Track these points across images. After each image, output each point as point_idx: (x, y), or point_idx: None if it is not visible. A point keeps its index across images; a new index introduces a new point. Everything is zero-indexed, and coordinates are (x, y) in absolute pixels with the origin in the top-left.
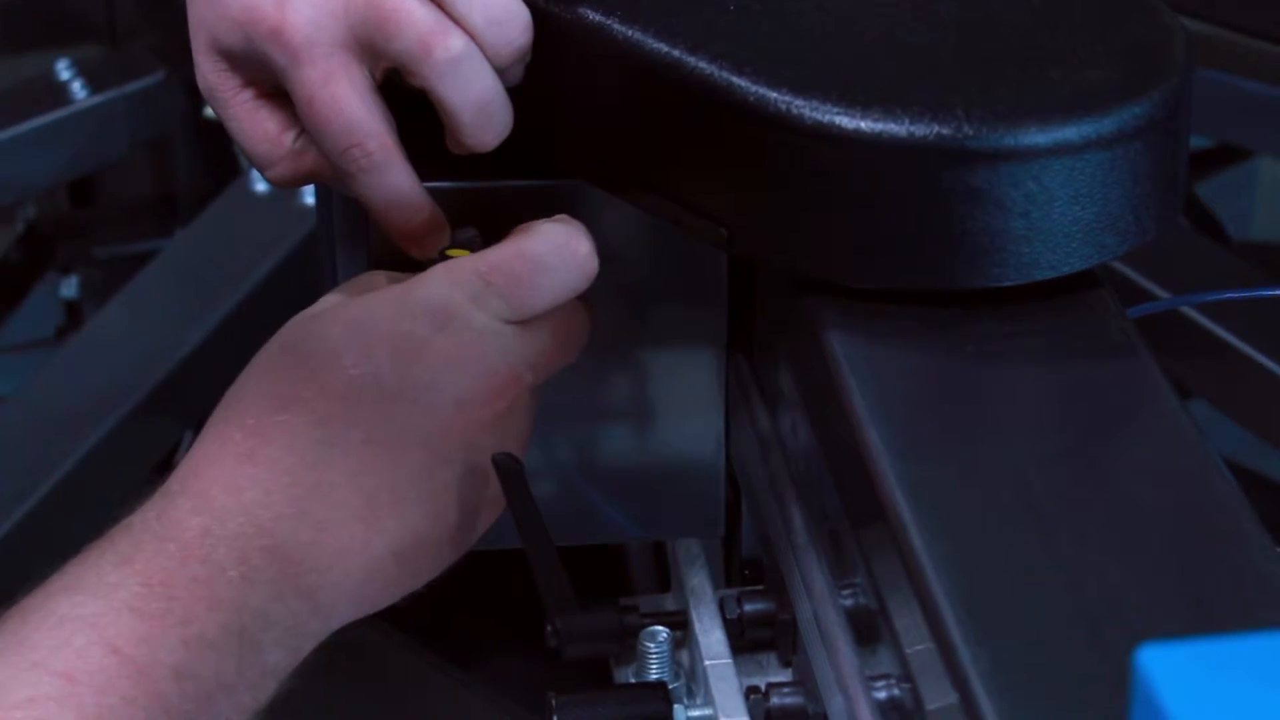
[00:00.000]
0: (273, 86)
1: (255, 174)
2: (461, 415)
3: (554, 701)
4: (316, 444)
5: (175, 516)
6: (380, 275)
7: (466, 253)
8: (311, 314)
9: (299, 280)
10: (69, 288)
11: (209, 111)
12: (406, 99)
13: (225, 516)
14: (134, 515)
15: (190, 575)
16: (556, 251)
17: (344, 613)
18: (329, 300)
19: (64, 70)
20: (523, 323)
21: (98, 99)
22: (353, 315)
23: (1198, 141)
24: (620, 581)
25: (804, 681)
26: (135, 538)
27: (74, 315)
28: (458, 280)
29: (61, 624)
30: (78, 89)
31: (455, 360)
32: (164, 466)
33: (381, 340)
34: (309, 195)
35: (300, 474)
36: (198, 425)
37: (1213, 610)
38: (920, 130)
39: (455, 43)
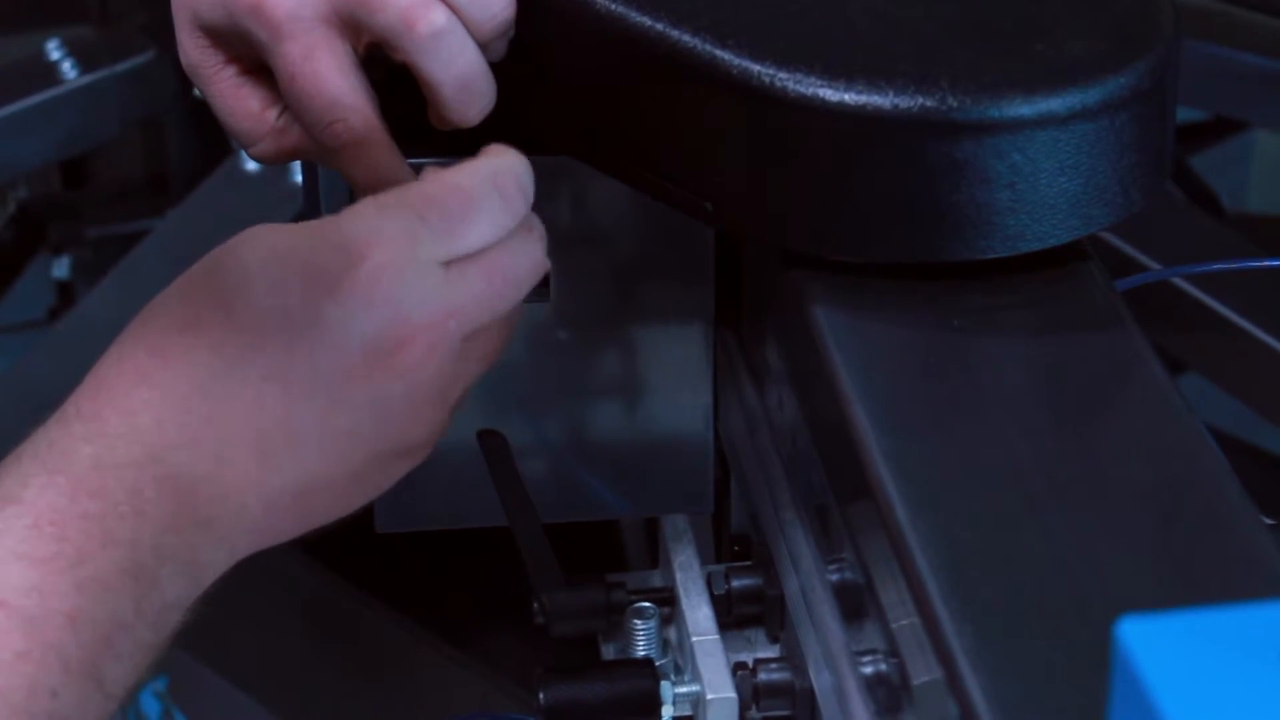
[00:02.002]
0: (255, 63)
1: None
2: (369, 358)
3: (540, 678)
4: (214, 374)
5: (66, 444)
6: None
7: None
8: (238, 238)
9: None
10: (61, 268)
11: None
12: (390, 74)
13: (117, 442)
14: (25, 444)
15: (81, 511)
16: (487, 185)
17: (246, 544)
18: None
19: (54, 50)
20: (451, 265)
21: (88, 79)
22: (273, 243)
23: (1193, 114)
24: (613, 558)
25: (791, 657)
26: (23, 473)
27: (66, 295)
28: (387, 213)
29: None
30: (68, 69)
31: (369, 299)
32: None
33: (295, 272)
34: (300, 174)
35: (195, 402)
36: None
37: (1198, 583)
38: (904, 102)
39: (437, 17)
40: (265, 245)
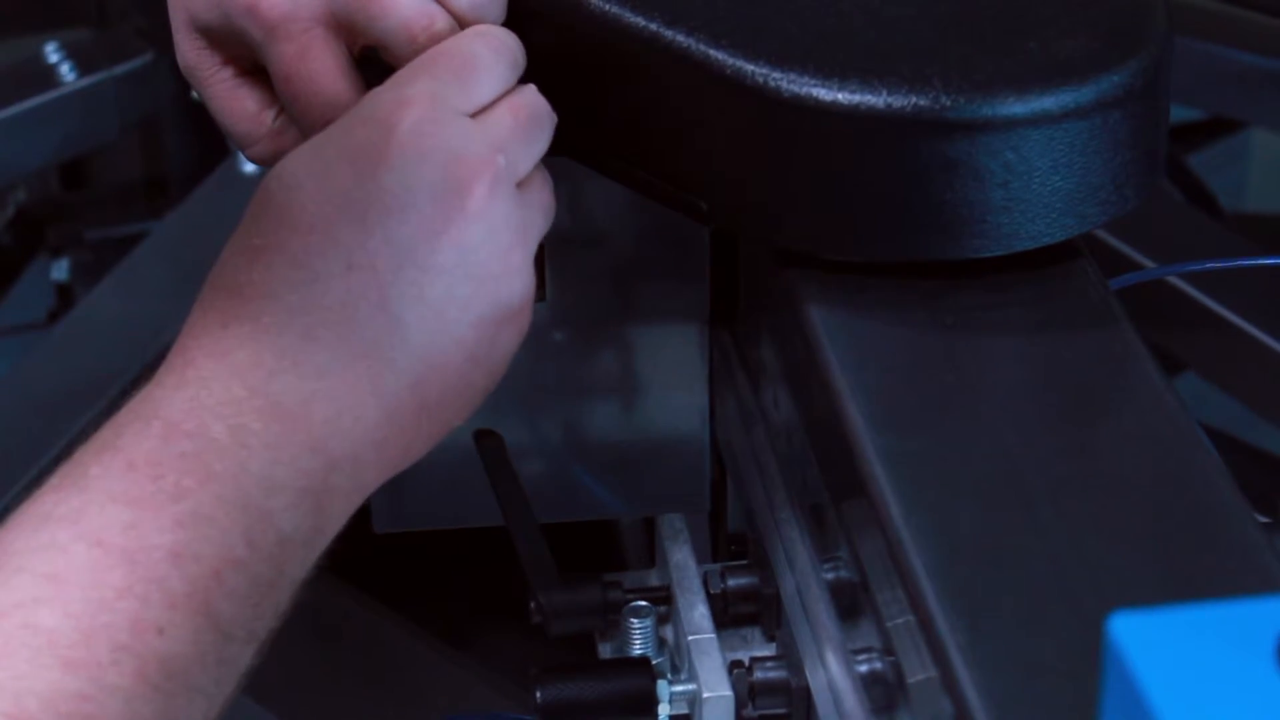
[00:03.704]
0: (252, 65)
1: None
2: (441, 210)
3: (537, 677)
4: (297, 285)
5: (159, 395)
6: None
7: None
8: (281, 160)
9: None
10: (60, 270)
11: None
12: (384, 73)
13: (212, 383)
14: (122, 406)
15: (178, 451)
16: (480, 42)
17: (372, 461)
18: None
19: (52, 53)
20: (475, 114)
21: (87, 81)
22: (309, 147)
23: (1191, 113)
24: (610, 557)
25: (787, 655)
26: (118, 424)
27: (65, 298)
28: (403, 81)
29: (44, 523)
30: (66, 71)
31: (418, 153)
32: None
33: (338, 158)
34: None
35: (286, 321)
36: None
37: (1191, 579)
38: (898, 101)
39: (440, 27)
40: (301, 154)
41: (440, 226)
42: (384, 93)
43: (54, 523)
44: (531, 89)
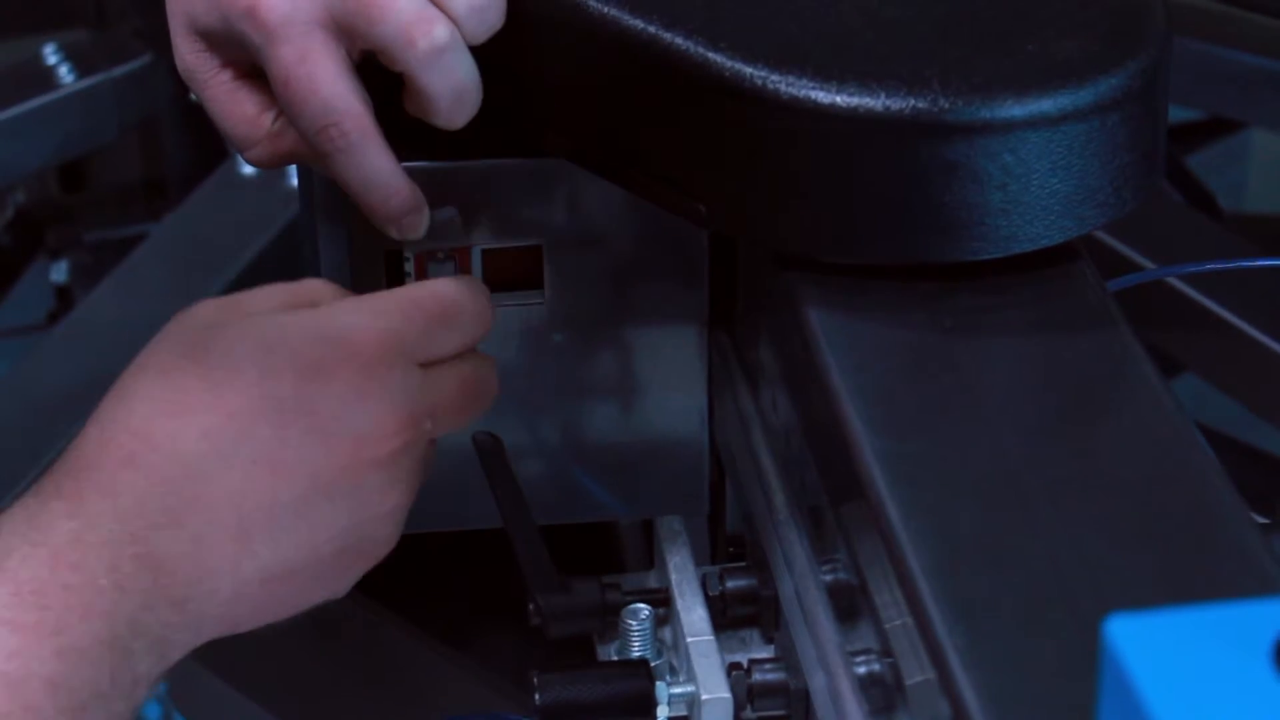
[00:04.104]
0: (251, 67)
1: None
2: (354, 450)
3: (536, 679)
4: (201, 457)
5: (46, 520)
6: (321, 284)
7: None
8: (218, 321)
9: (287, 262)
10: (59, 272)
11: None
12: (382, 77)
13: (98, 521)
14: (3, 518)
15: (62, 583)
16: (464, 295)
17: (210, 630)
18: (244, 302)
19: (51, 54)
20: (429, 367)
21: (85, 83)
22: (264, 332)
23: (1190, 114)
24: (609, 559)
25: (786, 657)
26: (4, 545)
27: (64, 299)
28: (376, 311)
29: None
30: (65, 73)
31: (358, 394)
32: None
33: (288, 361)
34: (295, 178)
35: (180, 485)
36: None
37: (1188, 581)
38: (896, 104)
39: (440, 32)
40: (255, 333)
41: (348, 461)
42: (353, 316)
43: None
44: (488, 362)
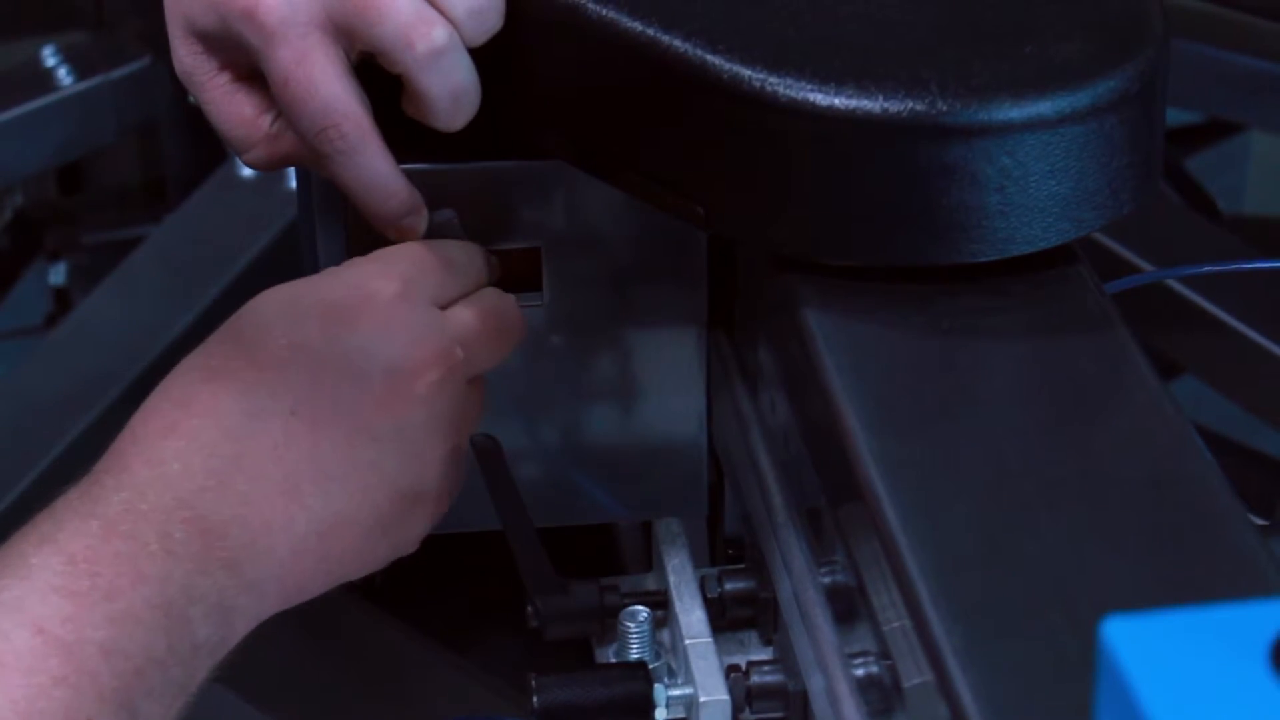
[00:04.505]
0: (249, 69)
1: None
2: (391, 387)
3: (535, 682)
4: (240, 415)
5: (97, 493)
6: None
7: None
8: (253, 300)
9: (286, 264)
10: (57, 274)
11: None
12: (381, 79)
13: (147, 490)
14: (58, 499)
15: (113, 551)
16: (462, 250)
17: (273, 592)
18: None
19: (50, 56)
20: (445, 307)
21: (84, 85)
22: (285, 292)
23: (1188, 116)
24: (607, 561)
25: (784, 660)
26: (57, 517)
27: (63, 302)
28: (387, 260)
29: None
30: (64, 75)
31: (385, 329)
32: None
33: (312, 310)
34: (294, 180)
35: (222, 446)
36: None
37: (1186, 583)
38: (894, 106)
39: (439, 34)
40: (279, 295)
41: (386, 400)
42: (368, 263)
43: None
44: (505, 297)
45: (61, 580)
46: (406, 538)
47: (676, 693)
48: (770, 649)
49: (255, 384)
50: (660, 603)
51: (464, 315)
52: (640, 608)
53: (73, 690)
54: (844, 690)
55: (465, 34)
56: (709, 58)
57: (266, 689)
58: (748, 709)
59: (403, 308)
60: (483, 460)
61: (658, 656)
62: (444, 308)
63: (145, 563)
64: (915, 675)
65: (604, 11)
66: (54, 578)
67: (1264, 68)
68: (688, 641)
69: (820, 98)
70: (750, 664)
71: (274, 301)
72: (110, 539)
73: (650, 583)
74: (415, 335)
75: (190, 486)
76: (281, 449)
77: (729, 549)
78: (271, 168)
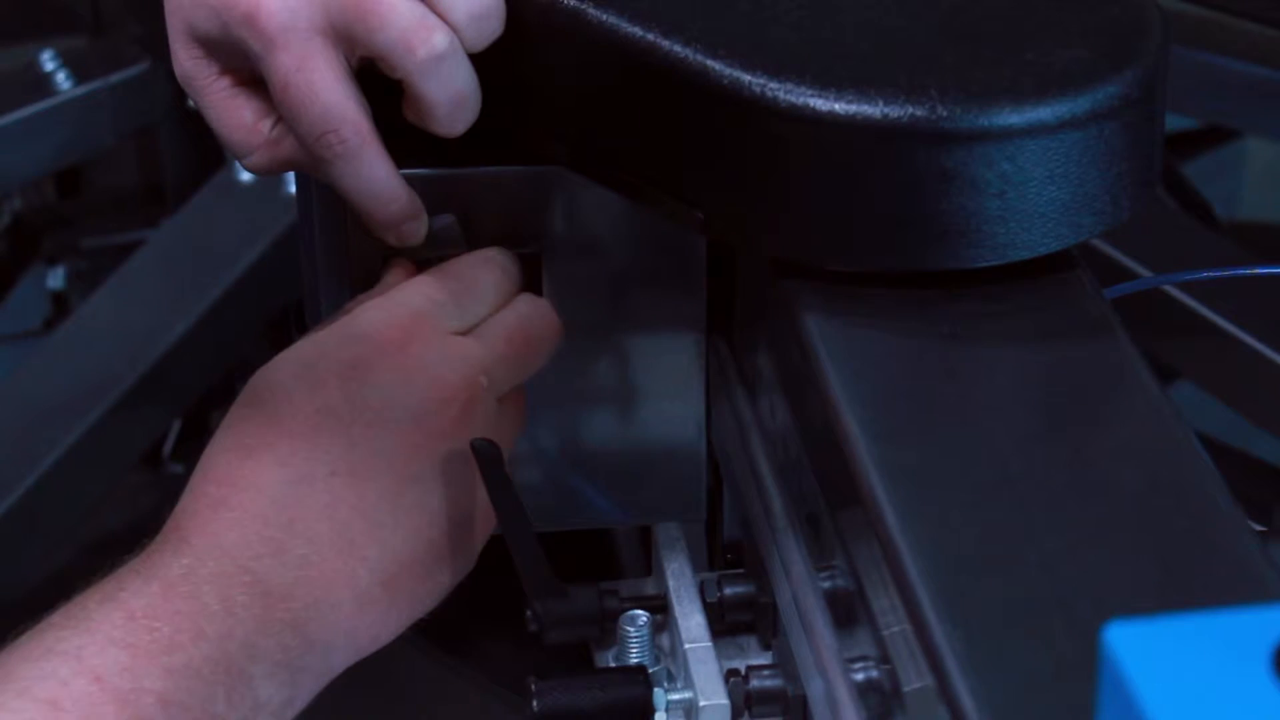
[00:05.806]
0: (249, 74)
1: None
2: (420, 429)
3: (534, 686)
4: (284, 485)
5: (157, 560)
6: (357, 302)
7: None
8: (266, 366)
9: (284, 269)
10: (56, 279)
11: None
12: (382, 84)
13: (206, 557)
14: (119, 570)
15: (174, 609)
16: (479, 261)
17: (342, 648)
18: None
19: (48, 61)
20: (470, 331)
21: (83, 89)
22: (300, 355)
23: (1186, 122)
24: (607, 565)
25: (784, 664)
26: (120, 579)
27: (61, 306)
28: (397, 301)
29: (47, 656)
30: (62, 79)
31: (403, 376)
32: (152, 456)
33: (328, 372)
34: (293, 185)
35: (272, 515)
36: (185, 414)
37: (1188, 589)
38: (894, 112)
39: (439, 40)
40: (293, 359)
41: (419, 442)
42: (373, 310)
43: (56, 656)
44: (538, 303)
45: (121, 634)
46: (466, 559)
47: (676, 697)
48: (770, 654)
49: (291, 453)
50: (660, 607)
51: (488, 339)
52: (640, 612)
53: None
54: (844, 695)
55: (466, 39)
56: (709, 63)
57: None
58: (747, 713)
59: (416, 350)
60: (482, 465)
61: (657, 661)
62: (470, 329)
63: (205, 621)
64: (915, 680)
65: (604, 17)
66: (114, 630)
67: (1261, 74)
68: (687, 646)
69: (821, 103)
70: (750, 668)
71: (289, 366)
72: (171, 598)
73: (650, 587)
74: (432, 376)
75: (248, 554)
76: (331, 509)
77: (728, 554)
78: (271, 173)
